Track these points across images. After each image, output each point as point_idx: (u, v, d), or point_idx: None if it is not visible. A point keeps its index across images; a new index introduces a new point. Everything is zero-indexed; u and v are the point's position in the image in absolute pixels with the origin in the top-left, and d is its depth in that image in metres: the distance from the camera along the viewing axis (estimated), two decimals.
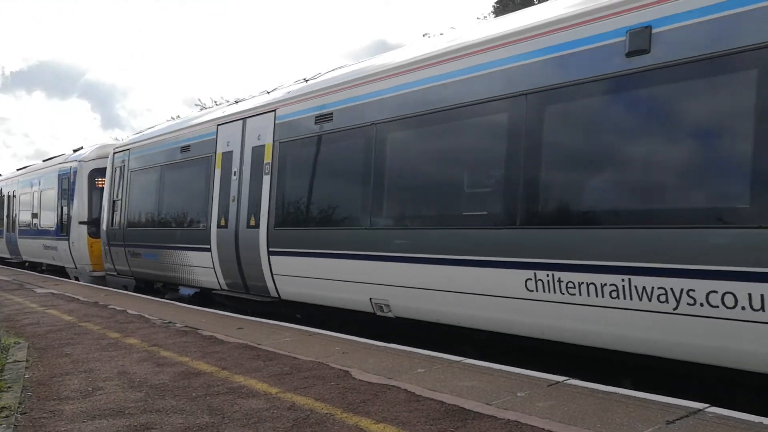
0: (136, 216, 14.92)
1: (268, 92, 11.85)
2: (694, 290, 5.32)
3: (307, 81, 10.84)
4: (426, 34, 35.98)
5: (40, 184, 21.74)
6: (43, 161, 23.52)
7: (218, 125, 12.16)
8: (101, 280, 17.46)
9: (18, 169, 26.58)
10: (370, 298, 8.61)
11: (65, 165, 19.56)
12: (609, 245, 5.96)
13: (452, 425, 4.77)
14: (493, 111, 7.15)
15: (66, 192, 19.12)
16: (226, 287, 11.75)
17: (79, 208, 18.16)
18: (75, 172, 18.50)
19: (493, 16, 33.05)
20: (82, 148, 20.14)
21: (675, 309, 5.45)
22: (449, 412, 5.07)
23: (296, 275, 9.89)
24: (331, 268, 9.15)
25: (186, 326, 9.73)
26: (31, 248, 22.82)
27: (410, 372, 6.40)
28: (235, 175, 11.37)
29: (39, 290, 15.91)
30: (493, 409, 5.11)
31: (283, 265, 10.13)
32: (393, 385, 5.90)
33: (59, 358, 7.68)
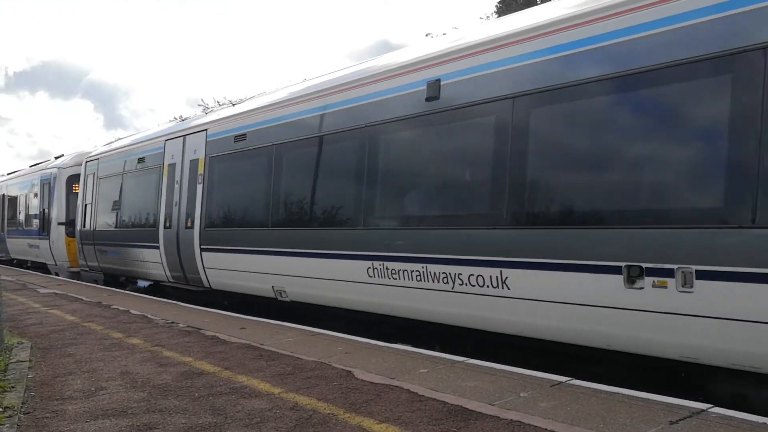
0: (104, 218, 16.98)
1: (205, 113, 14.01)
2: (461, 274, 7.41)
3: (233, 104, 13.30)
4: (429, 34, 35.96)
5: (25, 188, 23.67)
6: (30, 167, 25.34)
7: (165, 140, 14.28)
8: (77, 275, 19.35)
9: (8, 174, 28.74)
10: (272, 286, 10.69)
11: (46, 171, 21.47)
12: (413, 241, 8.10)
13: (455, 425, 4.76)
14: (340, 140, 9.51)
15: (47, 195, 20.94)
16: (171, 279, 13.80)
17: (58, 210, 19.97)
18: (55, 178, 20.42)
19: (496, 15, 33.05)
20: (62, 155, 21.96)
21: (452, 288, 7.50)
22: (452, 413, 5.06)
23: (221, 268, 12.04)
24: (245, 262, 11.26)
25: (189, 326, 9.74)
26: (18, 246, 24.95)
27: (413, 372, 6.40)
28: (177, 183, 13.41)
29: (42, 290, 15.94)
30: (496, 409, 5.10)
31: (211, 259, 12.21)
32: (395, 386, 5.90)
33: (62, 358, 7.69)
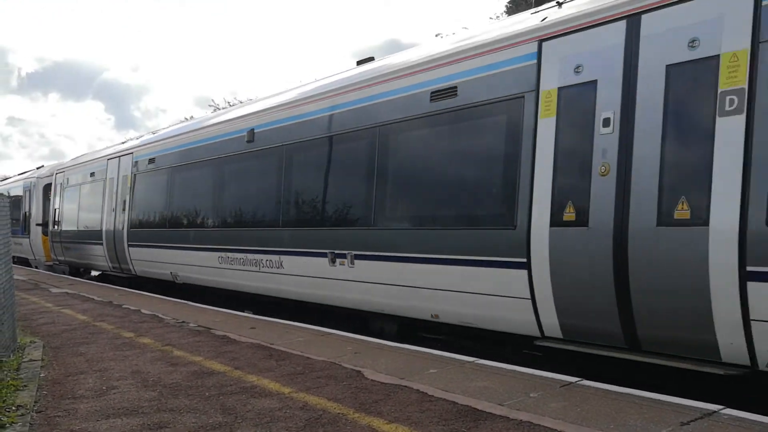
0: (67, 220, 20.84)
1: (140, 137, 18.18)
2: (266, 258, 11.03)
3: (153, 134, 17.13)
4: (438, 34, 35.91)
5: (12, 193, 27.05)
6: (18, 174, 30.45)
7: (107, 159, 18.26)
8: (51, 268, 23.59)
9: (0, 180, 33.90)
10: (171, 272, 14.50)
11: (28, 180, 25.98)
12: (238, 238, 11.93)
13: (464, 426, 4.76)
14: (209, 164, 13.27)
15: (28, 200, 25.32)
16: (112, 269, 17.89)
17: (36, 213, 24.47)
18: (34, 185, 24.92)
19: (506, 15, 32.97)
20: (42, 166, 26.84)
21: (259, 269, 11.24)
22: (461, 413, 5.06)
23: (141, 259, 15.91)
24: (154, 254, 15.13)
25: (199, 326, 9.78)
26: None
27: (422, 372, 6.40)
28: (114, 193, 17.27)
29: (54, 290, 16.05)
30: (506, 409, 5.10)
31: (135, 252, 16.08)
32: (405, 386, 5.90)
33: (74, 357, 7.74)
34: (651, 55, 5.99)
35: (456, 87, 7.95)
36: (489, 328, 7.53)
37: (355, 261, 9.12)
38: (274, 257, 10.82)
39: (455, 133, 7.98)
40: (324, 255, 9.65)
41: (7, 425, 5.03)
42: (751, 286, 5.26)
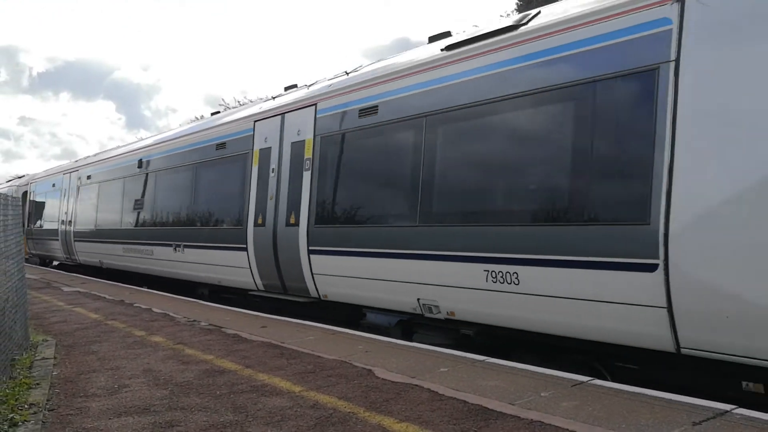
0: (36, 221, 26.12)
1: (86, 157, 22.85)
2: (144, 248, 15.60)
3: (94, 155, 21.83)
4: (449, 31, 35.78)
5: None
6: (6, 182, 35.63)
7: (62, 173, 23.47)
8: (27, 261, 29.80)
9: None
10: (99, 260, 19.22)
11: (11, 187, 30.25)
12: (133, 236, 16.29)
13: (475, 425, 4.75)
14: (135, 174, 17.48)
15: None
16: (65, 259, 22.86)
17: None
18: (14, 192, 27.82)
19: (517, 12, 32.87)
20: (25, 175, 31.92)
21: (141, 256, 15.87)
22: (472, 412, 5.05)
23: (82, 251, 20.68)
24: (89, 247, 19.91)
25: (210, 324, 9.81)
26: None
27: (433, 371, 6.39)
28: (66, 202, 22.21)
29: (66, 288, 16.16)
30: (517, 408, 5.08)
31: (79, 246, 20.82)
32: (416, 385, 5.90)
33: (86, 355, 7.79)
34: (286, 136, 11.03)
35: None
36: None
37: (185, 249, 13.83)
38: (147, 248, 15.63)
39: None
40: (170, 245, 14.37)
41: (20, 423, 5.07)
42: (312, 257, 9.94)
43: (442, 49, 8.31)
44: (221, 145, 12.89)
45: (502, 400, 5.33)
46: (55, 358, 7.62)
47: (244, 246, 11.51)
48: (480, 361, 6.79)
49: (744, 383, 5.63)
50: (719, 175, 5.39)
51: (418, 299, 8.15)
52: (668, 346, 5.74)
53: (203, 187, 13.57)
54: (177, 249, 13.98)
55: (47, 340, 8.70)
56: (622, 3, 6.28)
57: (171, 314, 11.01)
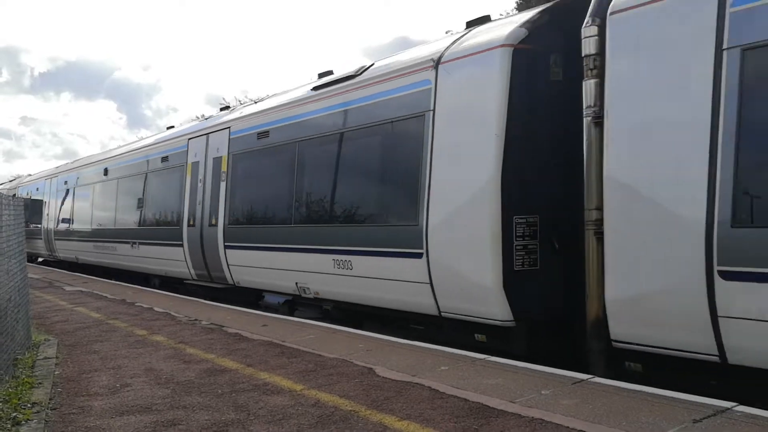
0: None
1: (58, 167, 26.53)
2: (106, 245, 18.81)
3: (68, 163, 25.46)
4: (449, 31, 35.78)
5: None
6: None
7: (44, 179, 26.38)
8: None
9: None
10: (75, 256, 21.92)
11: (2, 190, 31.87)
12: (98, 235, 19.42)
13: (476, 423, 4.76)
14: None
15: None
16: (48, 256, 25.88)
17: None
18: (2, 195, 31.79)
19: (517, 11, 32.83)
20: (14, 179, 35.64)
21: (104, 252, 18.98)
22: (473, 410, 5.06)
23: (61, 248, 23.46)
24: (66, 245, 22.79)
25: (211, 323, 9.83)
26: None
27: (434, 369, 6.40)
28: (48, 204, 24.93)
29: (68, 288, 16.18)
30: (517, 406, 5.09)
31: (58, 243, 23.63)
32: (417, 383, 5.91)
33: (88, 354, 7.81)
34: (210, 152, 13.31)
35: None
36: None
37: (140, 246, 16.31)
38: (112, 245, 18.16)
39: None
40: (128, 243, 16.91)
41: (23, 422, 5.09)
42: (228, 251, 12.19)
43: (310, 90, 10.80)
44: (165, 158, 15.32)
45: (502, 398, 5.34)
46: (57, 357, 7.64)
47: (181, 243, 13.93)
48: (480, 359, 6.80)
49: (476, 335, 7.77)
50: (447, 190, 7.70)
51: (296, 283, 10.50)
52: (434, 311, 8.03)
53: (152, 193, 16.10)
54: (133, 246, 16.60)
55: (49, 340, 8.72)
56: (406, 66, 8.67)
57: (172, 313, 11.03)
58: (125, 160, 17.96)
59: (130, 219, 17.00)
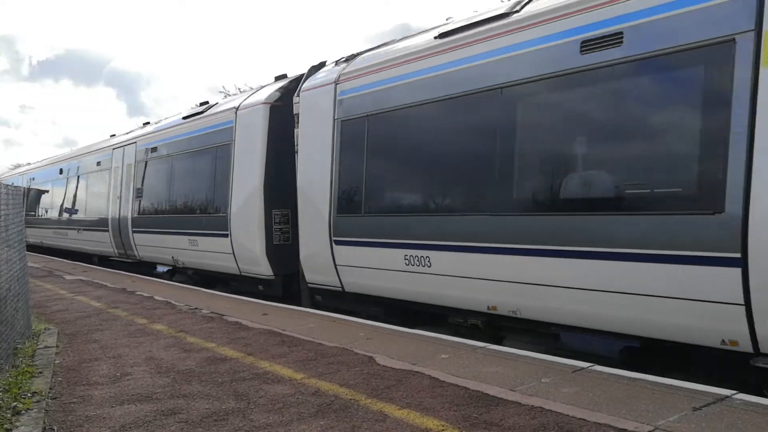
0: None
1: (27, 164, 31.21)
2: (65, 232, 23.04)
3: (35, 163, 29.00)
4: (450, 18, 35.57)
5: None
6: None
7: (18, 175, 28.93)
8: None
9: None
10: (41, 241, 25.51)
11: None
12: (60, 223, 23.47)
13: (476, 411, 4.77)
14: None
15: None
16: (39, 243, 26.62)
17: None
18: None
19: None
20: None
21: (66, 237, 22.70)
22: (473, 398, 5.07)
23: (34, 235, 24.96)
24: (36, 232, 25.37)
25: (212, 312, 9.83)
26: None
27: (434, 358, 6.41)
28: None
29: (68, 277, 16.20)
30: (518, 395, 5.10)
31: (30, 231, 22.84)
32: (417, 371, 5.92)
33: (88, 344, 7.81)
34: (126, 160, 17.56)
35: None
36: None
37: (83, 231, 20.34)
38: (64, 231, 22.35)
39: None
40: (75, 229, 21.22)
41: (23, 411, 5.09)
42: (135, 235, 16.48)
43: (182, 118, 14.90)
44: (98, 163, 19.62)
45: (503, 386, 5.34)
46: (57, 346, 7.64)
47: (107, 229, 18.21)
48: (481, 347, 6.81)
49: (259, 286, 11.78)
50: (239, 192, 11.91)
51: (173, 257, 14.64)
52: (237, 272, 12.15)
53: (91, 189, 20.33)
54: (79, 231, 21.02)
55: (49, 329, 8.72)
56: (225, 110, 12.85)
57: (173, 302, 11.04)
58: (73, 162, 22.56)
59: (75, 209, 21.76)
